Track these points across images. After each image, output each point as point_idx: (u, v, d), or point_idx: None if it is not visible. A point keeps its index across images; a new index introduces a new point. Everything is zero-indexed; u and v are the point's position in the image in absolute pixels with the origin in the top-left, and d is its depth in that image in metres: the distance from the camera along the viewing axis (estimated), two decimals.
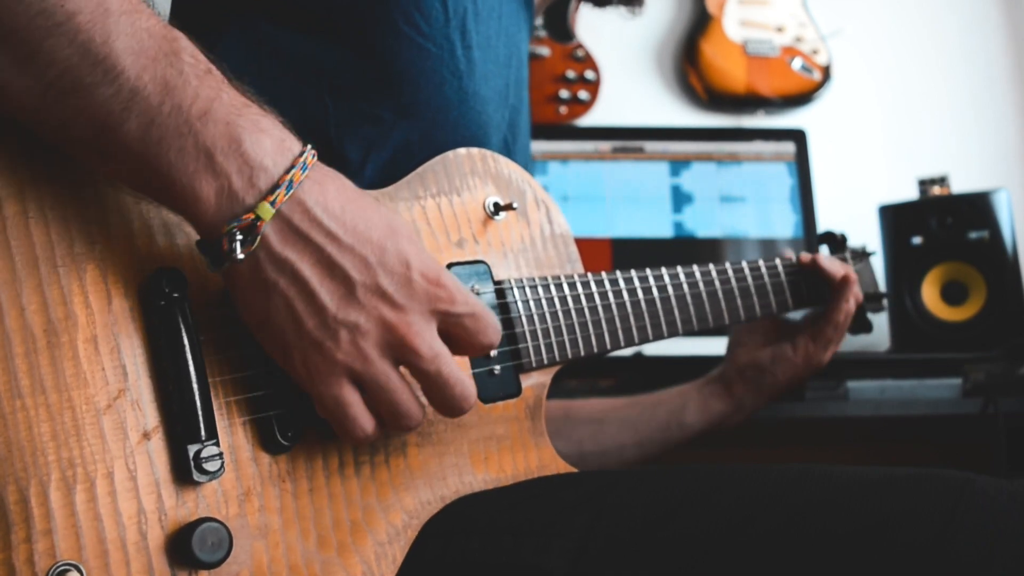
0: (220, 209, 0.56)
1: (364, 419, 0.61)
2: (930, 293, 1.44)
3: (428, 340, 0.60)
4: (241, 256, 0.56)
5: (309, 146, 0.60)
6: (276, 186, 0.57)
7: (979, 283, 1.41)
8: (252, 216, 0.56)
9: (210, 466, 0.59)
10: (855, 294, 1.02)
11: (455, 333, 0.62)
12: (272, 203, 0.56)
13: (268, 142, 0.57)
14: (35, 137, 0.57)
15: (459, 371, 0.62)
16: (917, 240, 1.45)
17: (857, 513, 0.62)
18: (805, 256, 1.03)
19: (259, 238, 0.57)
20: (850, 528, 0.61)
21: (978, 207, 1.42)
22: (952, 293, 1.43)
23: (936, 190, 1.49)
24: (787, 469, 0.68)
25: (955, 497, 0.61)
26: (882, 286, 1.26)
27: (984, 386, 1.22)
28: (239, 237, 0.56)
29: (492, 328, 0.64)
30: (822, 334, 1.01)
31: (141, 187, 0.58)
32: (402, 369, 0.61)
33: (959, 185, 1.51)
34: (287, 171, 0.57)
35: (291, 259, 0.58)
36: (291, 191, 0.57)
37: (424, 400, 0.63)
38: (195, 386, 0.59)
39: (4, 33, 0.52)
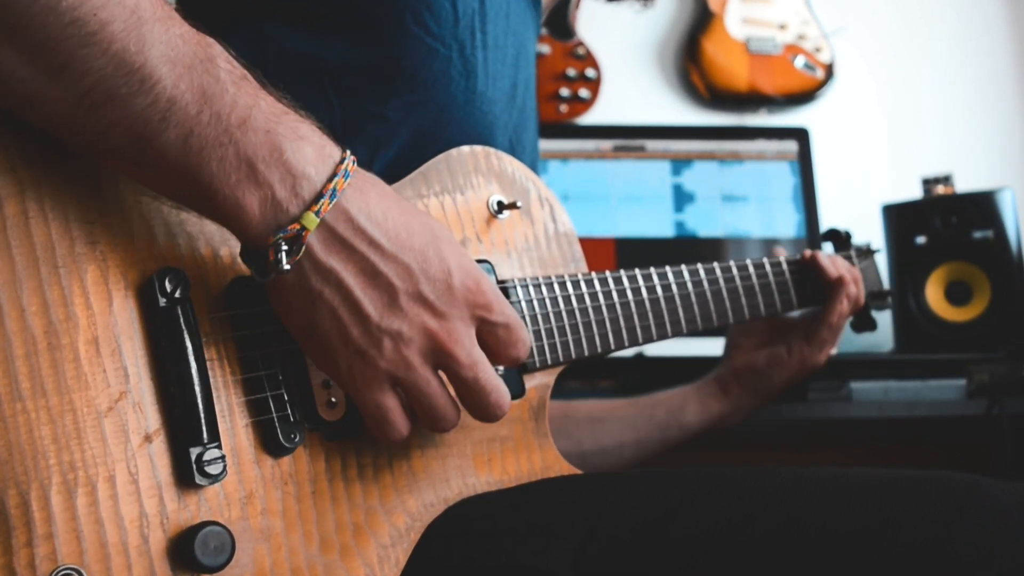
0: (264, 219, 0.56)
1: (402, 424, 0.62)
2: (934, 293, 1.44)
3: (468, 347, 0.61)
4: (287, 267, 0.57)
5: (348, 151, 0.60)
6: (320, 195, 0.57)
7: (983, 283, 1.41)
8: (298, 226, 0.56)
9: (212, 469, 0.58)
10: (850, 295, 1.01)
11: (488, 340, 0.63)
12: (317, 212, 0.56)
13: (309, 149, 0.57)
14: (35, 137, 0.57)
15: (496, 378, 0.63)
16: (921, 240, 1.45)
17: (858, 514, 0.62)
18: (807, 253, 1.02)
19: (304, 248, 0.57)
20: (851, 529, 0.61)
21: (982, 206, 1.42)
22: (956, 293, 1.43)
23: (940, 189, 1.49)
24: (788, 470, 0.68)
25: (958, 499, 0.61)
26: (886, 286, 1.26)
27: (988, 387, 1.22)
28: (284, 248, 0.56)
29: (523, 342, 0.65)
30: (816, 336, 1.01)
31: (182, 198, 0.58)
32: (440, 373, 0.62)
33: (963, 184, 1.51)
34: (330, 179, 0.57)
35: (335, 268, 0.58)
36: (335, 200, 0.57)
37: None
38: (197, 388, 0.58)
39: (36, 43, 0.52)
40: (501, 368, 0.74)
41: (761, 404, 1.06)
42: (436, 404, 0.62)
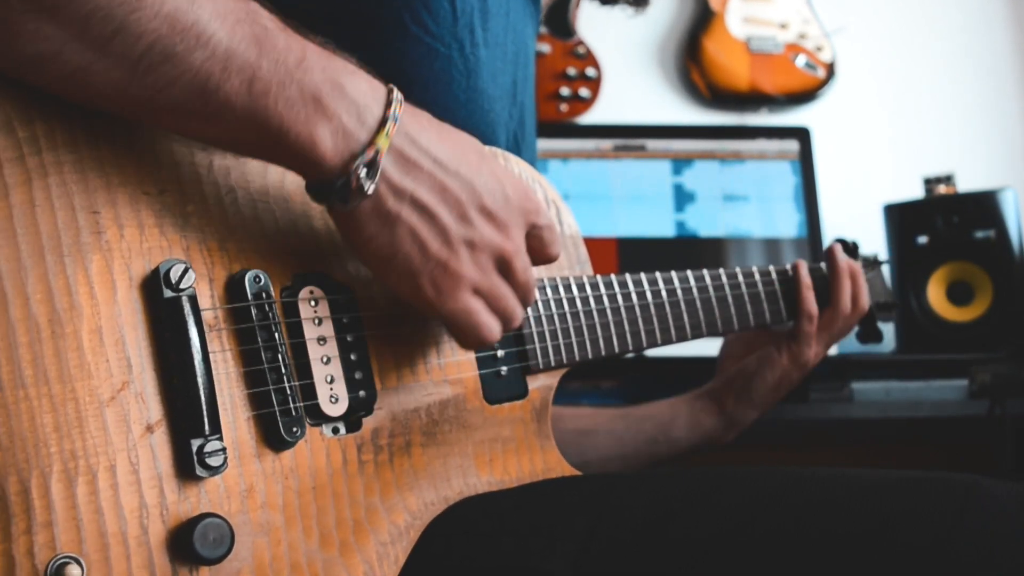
0: (337, 149, 0.58)
1: (492, 322, 0.66)
2: (936, 293, 1.43)
3: (522, 253, 0.67)
4: (371, 190, 0.59)
5: (391, 85, 0.62)
6: (384, 120, 0.60)
7: (985, 283, 1.41)
8: (373, 150, 0.59)
9: (213, 461, 0.58)
10: (848, 291, 1.00)
11: (533, 243, 0.68)
12: (386, 135, 0.59)
13: (363, 83, 0.60)
14: (43, 125, 0.56)
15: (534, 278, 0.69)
16: (923, 240, 1.45)
17: (859, 515, 0.62)
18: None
19: (380, 170, 0.59)
20: (852, 530, 0.61)
21: (984, 206, 1.42)
22: (958, 293, 1.43)
23: (942, 189, 1.49)
24: (789, 471, 0.68)
25: (960, 500, 0.61)
26: (892, 298, 1.25)
27: (990, 387, 1.22)
28: (364, 171, 0.59)
29: (559, 242, 0.71)
30: (799, 329, 0.99)
31: (249, 145, 0.60)
32: None
33: (965, 184, 1.51)
34: (387, 106, 0.60)
35: (409, 187, 0.61)
36: (398, 123, 0.60)
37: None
38: (200, 380, 0.58)
39: (86, 15, 0.52)
40: (504, 370, 0.75)
41: (756, 413, 1.03)
42: (509, 304, 0.66)
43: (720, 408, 1.03)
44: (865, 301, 1.03)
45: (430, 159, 0.62)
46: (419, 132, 0.62)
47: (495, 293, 0.65)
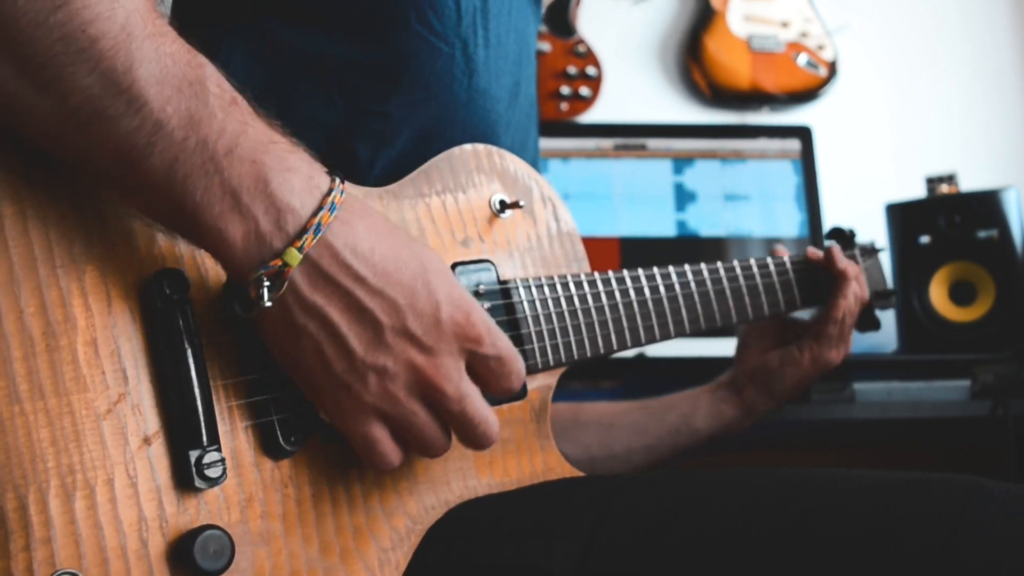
0: (248, 253, 0.56)
1: (392, 454, 0.62)
2: (938, 293, 1.43)
3: (455, 381, 0.61)
4: (269, 303, 0.56)
5: (338, 180, 0.59)
6: (304, 230, 0.56)
7: (988, 283, 1.40)
8: (280, 263, 0.56)
9: (212, 472, 0.58)
10: (854, 290, 1.00)
11: (480, 372, 0.63)
12: (300, 248, 0.56)
13: (296, 181, 0.57)
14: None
15: (485, 409, 0.63)
16: (925, 239, 1.44)
17: (861, 517, 0.61)
18: (813, 252, 1.02)
19: (287, 283, 0.57)
20: (854, 532, 0.60)
21: (987, 205, 1.41)
22: (961, 293, 1.42)
23: (944, 188, 1.49)
24: (791, 473, 0.68)
25: (962, 502, 0.61)
26: (890, 285, 1.25)
27: (993, 388, 1.21)
28: (267, 283, 0.56)
29: (516, 374, 0.64)
30: (824, 333, 1.00)
31: (167, 222, 0.58)
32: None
33: (967, 183, 1.50)
34: (315, 213, 0.56)
35: (319, 304, 0.58)
36: (319, 234, 0.56)
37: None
38: (196, 390, 0.58)
39: (24, 57, 0.51)
40: None
41: (774, 407, 1.04)
42: (424, 434, 0.62)
43: (739, 397, 1.04)
44: (866, 295, 1.03)
45: (351, 276, 0.58)
46: (347, 244, 0.58)
47: (407, 423, 0.61)
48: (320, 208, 0.57)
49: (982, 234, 1.40)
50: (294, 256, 0.56)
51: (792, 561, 0.60)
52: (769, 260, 0.99)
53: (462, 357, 0.62)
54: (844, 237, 1.14)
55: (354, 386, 0.59)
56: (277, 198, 0.56)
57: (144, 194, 0.55)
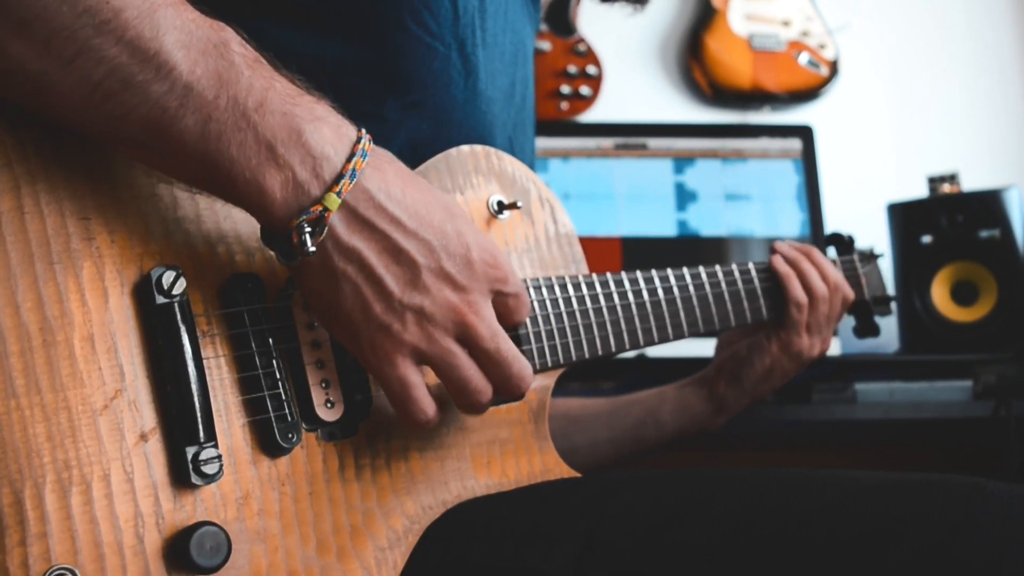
0: (287, 202, 0.57)
1: (427, 402, 0.62)
2: (940, 293, 1.43)
3: (488, 320, 0.63)
4: (312, 249, 0.57)
5: (364, 130, 0.60)
6: (340, 175, 0.57)
7: (990, 283, 1.40)
8: (320, 207, 0.57)
9: (208, 469, 0.58)
10: (799, 279, 0.98)
11: (499, 310, 0.65)
12: (338, 193, 0.57)
13: (327, 130, 0.58)
14: (31, 132, 0.56)
15: (516, 349, 0.64)
16: (926, 239, 1.44)
17: (862, 518, 0.61)
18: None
19: (327, 228, 0.57)
20: (855, 533, 0.60)
21: (989, 205, 1.41)
22: (962, 293, 1.42)
23: (946, 188, 1.48)
24: (791, 473, 0.68)
25: (964, 503, 0.60)
26: (891, 286, 1.25)
27: (995, 388, 1.21)
28: (308, 230, 0.57)
29: (527, 308, 0.67)
30: (789, 318, 0.98)
31: (202, 183, 0.59)
32: None
33: (969, 183, 1.50)
34: (348, 159, 0.58)
35: (358, 247, 0.59)
36: (355, 179, 0.58)
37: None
38: (194, 387, 0.58)
39: (48, 34, 0.51)
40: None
41: (746, 401, 1.02)
42: (466, 374, 0.62)
43: (711, 392, 1.03)
44: (833, 278, 1.00)
45: (387, 218, 0.59)
46: (380, 188, 0.59)
47: (446, 362, 0.62)
48: (352, 155, 0.58)
49: (984, 234, 1.40)
50: (333, 201, 0.57)
51: (793, 561, 0.60)
52: (751, 265, 0.98)
53: (491, 296, 0.64)
54: (843, 242, 1.13)
55: (393, 326, 0.60)
56: (311, 147, 0.57)
57: (178, 156, 0.56)
